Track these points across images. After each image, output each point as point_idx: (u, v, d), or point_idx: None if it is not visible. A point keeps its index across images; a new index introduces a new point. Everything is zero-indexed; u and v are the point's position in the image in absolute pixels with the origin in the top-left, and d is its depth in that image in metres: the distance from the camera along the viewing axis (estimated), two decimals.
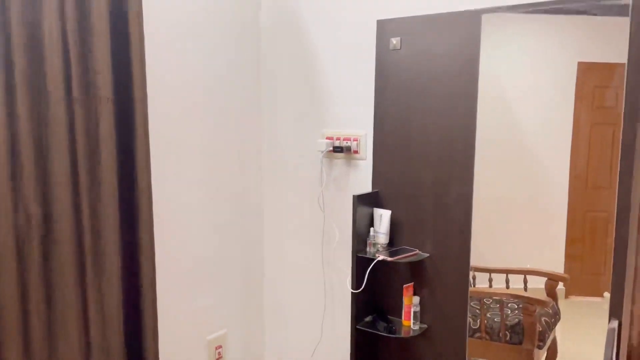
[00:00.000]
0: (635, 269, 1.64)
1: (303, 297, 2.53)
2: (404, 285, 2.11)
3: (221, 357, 2.45)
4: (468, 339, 2.05)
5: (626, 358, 1.69)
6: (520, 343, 2.01)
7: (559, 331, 1.97)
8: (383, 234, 2.13)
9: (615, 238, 1.72)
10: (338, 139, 2.31)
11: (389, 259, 2.01)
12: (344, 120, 2.31)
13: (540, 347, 1.98)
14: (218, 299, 2.41)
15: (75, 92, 1.66)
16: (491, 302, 2.07)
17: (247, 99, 2.48)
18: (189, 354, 2.29)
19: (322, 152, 2.32)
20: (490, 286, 2.06)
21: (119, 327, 1.83)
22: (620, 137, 1.71)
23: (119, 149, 1.80)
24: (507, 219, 2.04)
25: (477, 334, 2.06)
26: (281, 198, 2.55)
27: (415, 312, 2.10)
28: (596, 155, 1.86)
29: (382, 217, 2.14)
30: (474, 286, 2.05)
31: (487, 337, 2.06)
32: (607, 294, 1.81)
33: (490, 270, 2.05)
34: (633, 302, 1.66)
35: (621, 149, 1.71)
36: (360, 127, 2.26)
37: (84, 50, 1.68)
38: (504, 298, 2.05)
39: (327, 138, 2.33)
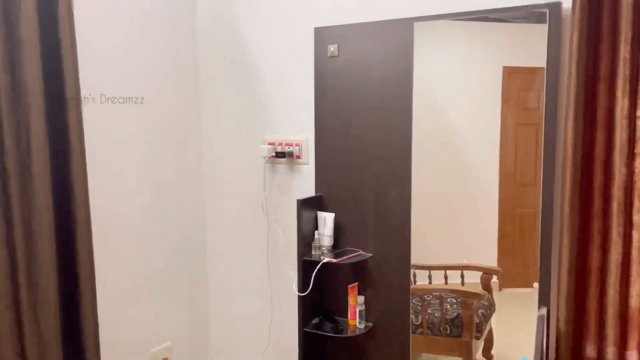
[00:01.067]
0: (560, 261, 1.77)
1: (249, 304, 2.51)
2: (349, 286, 2.15)
3: None
4: (412, 335, 2.12)
5: (555, 340, 1.81)
6: (460, 335, 2.08)
7: (495, 322, 2.05)
8: (327, 236, 2.17)
9: (541, 232, 1.84)
10: (280, 144, 2.32)
11: (334, 260, 2.04)
12: (286, 125, 2.33)
13: (478, 338, 2.07)
14: (161, 311, 2.35)
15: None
16: (431, 298, 2.14)
17: (185, 105, 2.45)
18: None
19: (265, 157, 2.33)
20: (430, 283, 2.12)
21: (57, 348, 1.75)
22: (543, 137, 1.83)
23: (53, 157, 1.73)
24: (443, 217, 2.10)
25: (420, 330, 2.12)
26: (224, 205, 2.53)
27: (360, 311, 2.14)
28: (522, 154, 1.94)
29: (326, 220, 2.17)
30: (415, 284, 2.11)
31: (429, 332, 2.12)
32: (536, 285, 1.91)
33: (429, 268, 2.11)
34: (559, 291, 1.79)
35: (544, 148, 1.83)
36: (301, 133, 2.29)
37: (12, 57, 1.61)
38: (443, 293, 2.12)
39: (269, 144, 2.34)
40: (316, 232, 2.18)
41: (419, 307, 2.12)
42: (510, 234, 1.99)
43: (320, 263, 2.07)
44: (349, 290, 2.15)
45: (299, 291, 2.11)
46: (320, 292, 2.25)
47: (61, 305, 1.79)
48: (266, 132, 2.38)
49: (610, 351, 1.72)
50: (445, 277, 2.10)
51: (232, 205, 2.51)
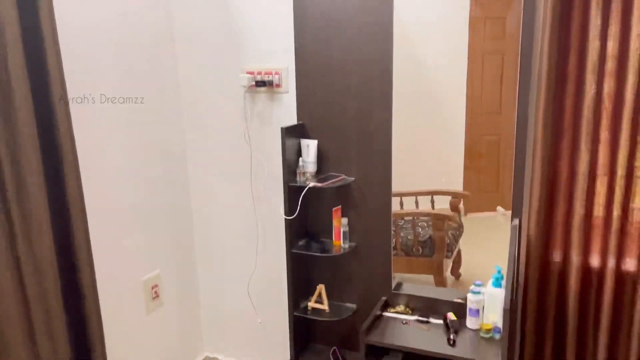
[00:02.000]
0: (532, 176, 1.89)
1: (235, 232, 2.59)
2: (333, 209, 2.24)
3: (158, 295, 2.48)
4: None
5: (525, 248, 1.97)
6: (432, 255, 2.21)
7: (463, 242, 2.17)
8: (311, 163, 2.22)
9: (515, 150, 1.95)
10: (259, 73, 2.31)
11: (319, 185, 2.11)
12: (265, 54, 2.31)
13: (448, 257, 2.19)
14: (149, 241, 2.41)
15: None
16: (404, 223, 2.23)
17: (161, 35, 2.39)
18: (127, 294, 2.30)
19: (245, 87, 2.32)
20: (402, 208, 2.21)
21: (55, 281, 1.79)
22: (519, 64, 1.89)
23: (34, 90, 1.70)
24: (413, 146, 2.15)
25: (394, 252, 2.25)
26: (205, 136, 2.53)
27: (344, 232, 2.25)
28: (489, 82, 1.98)
29: (309, 147, 2.22)
30: None
31: (403, 253, 2.25)
32: (500, 208, 2.04)
33: (401, 195, 2.20)
34: (530, 203, 1.92)
35: (519, 75, 1.89)
36: (281, 61, 2.28)
37: None
38: (415, 217, 2.22)
39: (249, 73, 2.32)
40: (300, 159, 2.24)
41: (392, 231, 2.24)
42: (476, 161, 2.07)
43: (307, 187, 2.14)
44: (334, 213, 2.24)
45: (285, 215, 2.18)
46: (305, 216, 2.35)
47: (55, 239, 1.81)
48: (245, 61, 2.36)
49: (575, 256, 1.89)
50: (416, 203, 2.20)
51: (213, 136, 2.52)
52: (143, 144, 2.33)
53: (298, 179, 2.22)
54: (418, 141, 2.14)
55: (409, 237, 2.23)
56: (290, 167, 2.20)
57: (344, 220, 2.25)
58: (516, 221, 1.95)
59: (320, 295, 2.33)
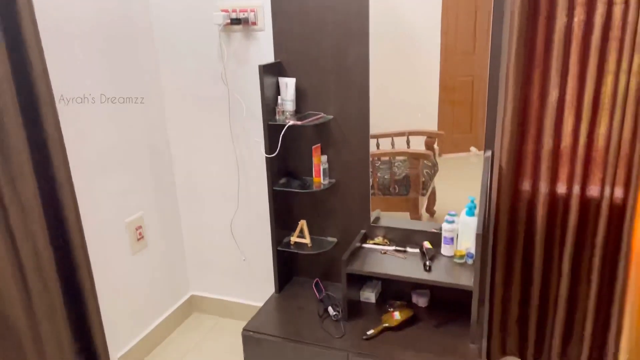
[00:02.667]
0: (505, 108, 1.96)
1: (215, 172, 2.62)
2: (313, 147, 2.29)
3: (142, 237, 2.53)
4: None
5: (497, 178, 2.07)
6: (407, 193, 2.29)
7: (437, 181, 2.24)
8: (290, 101, 2.24)
9: (488, 85, 2.00)
10: (234, 11, 2.27)
11: (299, 123, 2.14)
12: None
13: (423, 195, 2.27)
14: (130, 184, 2.42)
15: None
16: (380, 164, 2.29)
17: None
18: (112, 236, 2.34)
19: (219, 25, 2.29)
20: (379, 150, 2.26)
21: (40, 219, 1.81)
22: (492, 3, 1.90)
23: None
24: (389, 87, 2.15)
25: (372, 191, 2.32)
26: (181, 76, 2.51)
27: (324, 169, 2.30)
28: (463, 23, 1.99)
29: (288, 86, 2.22)
30: None
31: (380, 192, 2.32)
32: (473, 149, 2.11)
33: (377, 136, 2.23)
34: (502, 135, 2.00)
35: (493, 11, 1.91)
36: None
37: None
38: (391, 157, 2.27)
39: (223, 10, 2.28)
40: (279, 97, 2.25)
41: (370, 171, 2.29)
42: (450, 102, 2.10)
43: (287, 125, 2.17)
44: (313, 151, 2.29)
45: (266, 153, 2.22)
46: (285, 155, 2.39)
47: (38, 181, 1.82)
48: None
49: (543, 184, 1.99)
50: (392, 144, 2.24)
51: (189, 77, 2.50)
52: (119, 87, 2.30)
53: (277, 117, 2.24)
54: (393, 83, 2.15)
55: (385, 177, 2.30)
56: (269, 106, 2.22)
57: (324, 158, 2.30)
58: (489, 153, 2.03)
59: (302, 230, 2.41)
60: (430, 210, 2.30)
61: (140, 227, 2.50)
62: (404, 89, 2.15)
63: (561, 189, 2.01)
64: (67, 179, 1.89)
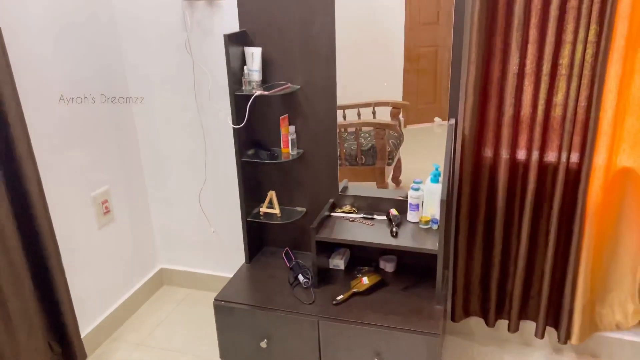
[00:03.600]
0: (467, 76, 2.00)
1: (181, 146, 2.60)
2: (281, 117, 2.29)
3: (109, 210, 2.50)
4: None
5: (460, 146, 2.13)
6: (374, 163, 2.31)
7: (402, 152, 2.27)
8: (256, 71, 2.21)
9: (452, 53, 2.03)
10: None
11: (266, 93, 2.13)
12: None
13: (389, 164, 2.31)
14: (95, 157, 2.38)
15: None
16: (347, 135, 2.30)
17: None
18: (78, 211, 2.31)
19: None
20: (345, 120, 2.27)
21: (2, 194, 1.77)
22: None
23: None
24: (355, 58, 2.15)
25: (339, 162, 2.34)
26: (144, 47, 2.45)
27: (292, 140, 2.31)
28: None
29: (254, 55, 2.20)
30: None
31: (347, 163, 2.34)
32: (437, 119, 2.15)
33: (344, 107, 2.24)
34: (465, 102, 2.05)
35: None
36: None
37: None
38: (358, 128, 2.29)
39: None
40: (245, 67, 2.23)
41: (337, 141, 2.31)
42: (414, 72, 2.12)
43: (254, 95, 2.16)
44: (281, 122, 2.29)
45: (233, 124, 2.21)
46: (252, 126, 2.38)
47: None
48: None
49: (504, 151, 2.06)
50: (359, 115, 2.26)
51: (153, 49, 2.44)
52: (81, 61, 2.23)
53: (244, 88, 2.23)
54: (359, 53, 2.15)
55: (352, 148, 2.32)
56: (236, 76, 2.19)
57: (291, 128, 2.31)
58: (452, 121, 2.08)
59: (271, 201, 2.43)
60: (397, 180, 2.34)
61: (106, 201, 2.47)
62: (370, 59, 2.16)
63: (521, 155, 2.08)
64: (28, 153, 1.85)
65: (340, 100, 2.23)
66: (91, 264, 2.42)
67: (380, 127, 2.27)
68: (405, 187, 2.32)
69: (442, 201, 1.96)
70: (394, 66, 2.13)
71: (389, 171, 2.34)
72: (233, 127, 2.22)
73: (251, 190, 2.42)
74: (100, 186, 2.43)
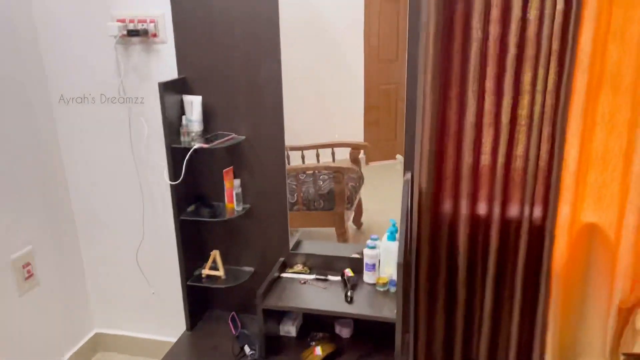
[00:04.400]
0: (423, 128, 1.87)
1: (118, 200, 2.37)
2: (224, 170, 2.10)
3: (32, 274, 2.22)
4: (289, 212, 2.18)
5: (417, 200, 1.98)
6: (333, 208, 2.19)
7: (364, 192, 2.17)
8: (196, 121, 2.05)
9: (406, 103, 1.91)
10: (132, 21, 2.05)
11: (206, 146, 1.96)
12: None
13: (348, 209, 2.19)
14: (16, 216, 2.12)
15: None
16: (305, 177, 2.19)
17: None
18: None
19: (115, 37, 2.06)
20: (304, 162, 2.15)
21: None
22: (407, 10, 1.83)
23: None
24: (311, 97, 2.08)
25: (296, 207, 2.19)
26: (74, 93, 2.24)
27: (237, 194, 2.13)
28: (386, 29, 1.94)
29: (193, 104, 2.03)
30: (289, 164, 2.14)
31: (305, 208, 2.20)
32: (399, 156, 2.04)
33: (301, 148, 2.13)
34: (421, 155, 1.92)
35: (408, 19, 1.84)
36: (156, 7, 2.04)
37: None
38: (316, 171, 2.18)
39: (119, 21, 2.06)
40: (183, 117, 2.05)
41: (294, 186, 2.17)
42: (375, 110, 2.04)
43: (191, 150, 1.97)
44: (225, 175, 2.10)
45: (170, 180, 2.01)
46: (194, 179, 2.19)
47: None
48: (113, 6, 2.08)
49: (464, 206, 1.92)
50: (317, 156, 2.15)
51: (84, 95, 2.23)
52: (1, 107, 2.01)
53: (182, 139, 2.04)
54: (318, 92, 2.07)
55: (310, 191, 2.19)
56: (173, 127, 2.01)
57: (237, 182, 2.12)
58: (408, 175, 1.94)
59: (215, 261, 2.21)
60: (358, 222, 2.22)
61: (28, 264, 2.20)
62: (330, 98, 2.07)
63: (482, 210, 1.95)
64: None
65: (299, 141, 2.10)
66: (13, 336, 2.13)
67: (338, 171, 2.16)
68: (367, 230, 2.18)
69: (398, 264, 1.79)
70: (354, 104, 2.06)
71: (349, 215, 2.21)
72: (170, 184, 2.01)
73: (193, 249, 2.21)
74: (21, 247, 2.16)
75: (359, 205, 2.20)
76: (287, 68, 2.00)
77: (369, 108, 2.04)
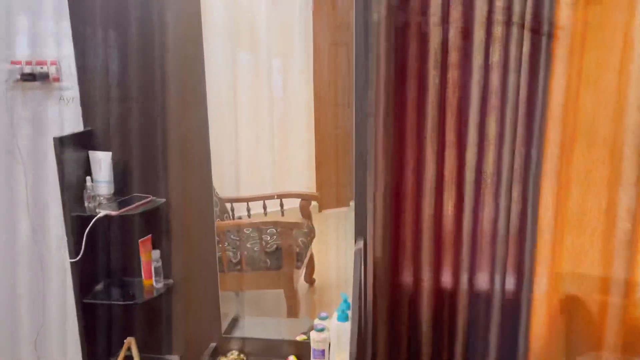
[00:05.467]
0: (375, 189, 1.64)
1: (13, 276, 2.04)
2: (140, 240, 1.80)
3: None
4: (228, 274, 1.97)
5: (372, 271, 1.72)
6: (280, 267, 2.01)
7: (316, 244, 2.02)
8: (104, 182, 1.76)
9: (355, 161, 1.71)
10: (29, 63, 1.80)
11: (114, 213, 1.65)
12: (36, 38, 1.80)
13: (298, 267, 2.02)
14: None
15: None
16: (250, 231, 2.03)
17: None
18: None
19: (7, 81, 1.80)
20: (249, 215, 2.02)
21: None
22: (354, 56, 1.65)
23: None
24: (261, 145, 1.97)
25: (238, 267, 2.00)
26: None
27: (157, 268, 1.83)
28: (335, 75, 1.86)
29: (102, 162, 1.76)
30: (233, 218, 2.00)
31: (249, 268, 2.01)
32: (352, 203, 1.85)
33: (247, 200, 2.00)
34: (375, 221, 1.68)
35: (355, 65, 1.66)
36: (58, 47, 1.79)
37: None
38: (262, 226, 2.02)
39: (13, 63, 1.80)
40: (88, 178, 1.75)
41: (237, 243, 2.00)
42: (326, 156, 1.95)
43: (95, 218, 1.65)
44: (140, 246, 1.81)
45: (70, 256, 1.67)
46: (104, 252, 1.88)
47: None
48: (5, 46, 1.81)
49: (426, 274, 1.70)
50: (264, 208, 2.02)
51: None
52: None
53: (87, 205, 1.74)
54: (267, 140, 1.97)
55: (255, 249, 2.01)
56: (75, 190, 1.71)
57: (155, 253, 1.83)
58: (360, 243, 1.69)
59: (130, 349, 1.86)
60: (310, 279, 2.06)
61: None
62: (279, 145, 1.98)
63: (447, 281, 1.73)
64: None
65: (244, 192, 1.97)
66: None
67: (285, 226, 2.02)
68: (320, 288, 2.03)
69: (351, 354, 1.50)
70: (305, 151, 1.97)
71: (299, 275, 2.04)
72: (70, 261, 1.68)
73: (101, 337, 1.87)
74: None
75: (311, 260, 2.04)
76: (225, 114, 1.85)
77: (321, 154, 1.95)
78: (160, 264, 1.82)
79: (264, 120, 1.95)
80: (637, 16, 1.43)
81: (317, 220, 2.01)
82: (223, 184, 1.95)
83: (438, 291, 1.73)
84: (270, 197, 1.99)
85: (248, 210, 2.01)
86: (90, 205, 1.72)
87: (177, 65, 1.73)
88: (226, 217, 2.01)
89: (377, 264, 1.71)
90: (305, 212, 1.99)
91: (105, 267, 1.87)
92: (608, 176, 1.56)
